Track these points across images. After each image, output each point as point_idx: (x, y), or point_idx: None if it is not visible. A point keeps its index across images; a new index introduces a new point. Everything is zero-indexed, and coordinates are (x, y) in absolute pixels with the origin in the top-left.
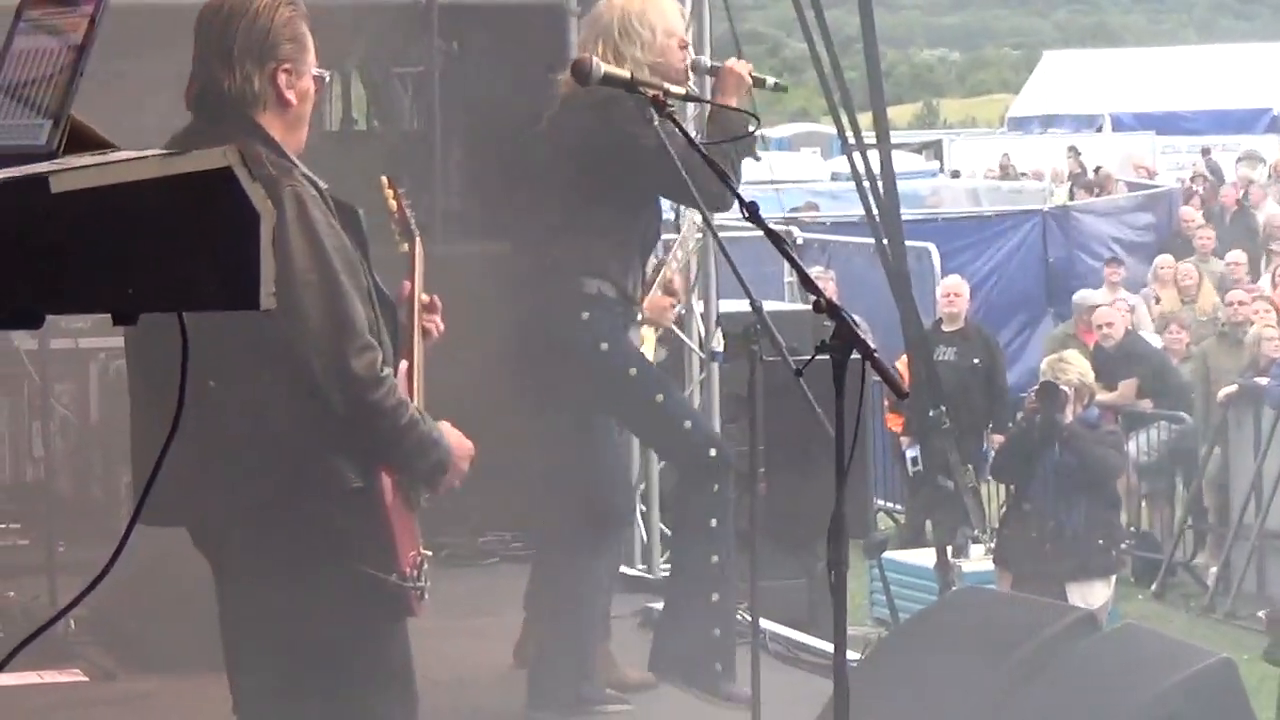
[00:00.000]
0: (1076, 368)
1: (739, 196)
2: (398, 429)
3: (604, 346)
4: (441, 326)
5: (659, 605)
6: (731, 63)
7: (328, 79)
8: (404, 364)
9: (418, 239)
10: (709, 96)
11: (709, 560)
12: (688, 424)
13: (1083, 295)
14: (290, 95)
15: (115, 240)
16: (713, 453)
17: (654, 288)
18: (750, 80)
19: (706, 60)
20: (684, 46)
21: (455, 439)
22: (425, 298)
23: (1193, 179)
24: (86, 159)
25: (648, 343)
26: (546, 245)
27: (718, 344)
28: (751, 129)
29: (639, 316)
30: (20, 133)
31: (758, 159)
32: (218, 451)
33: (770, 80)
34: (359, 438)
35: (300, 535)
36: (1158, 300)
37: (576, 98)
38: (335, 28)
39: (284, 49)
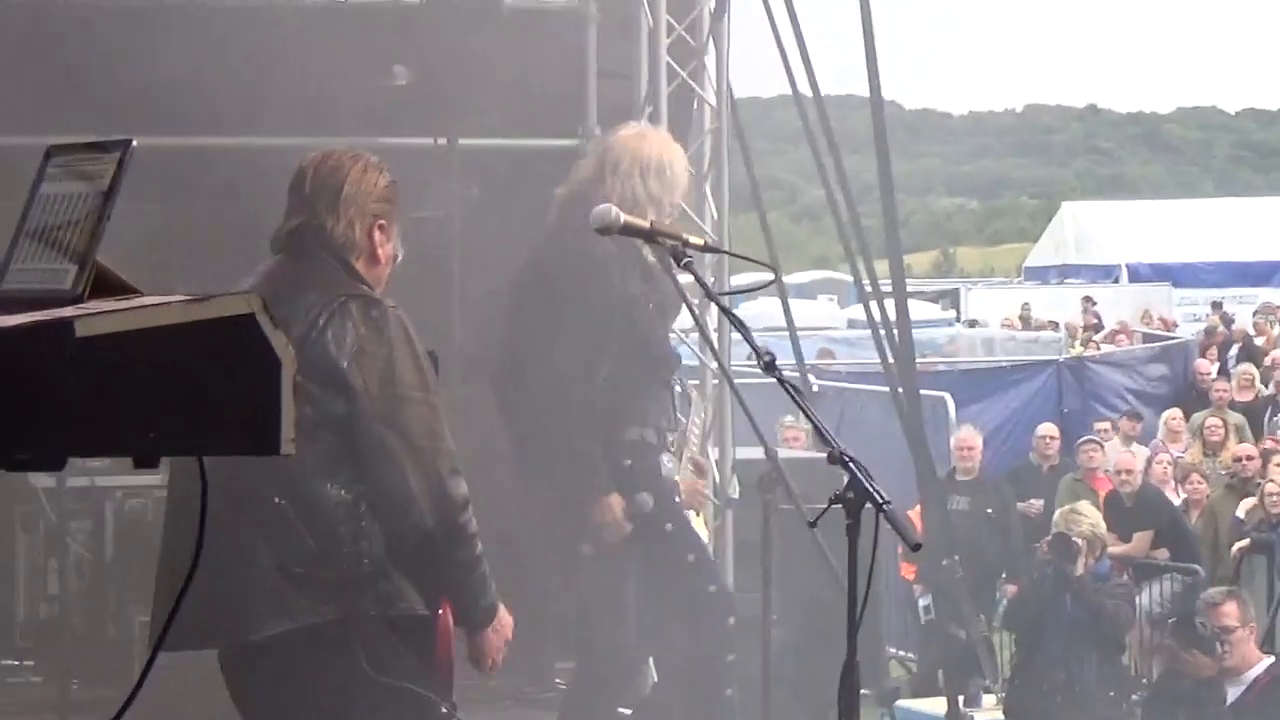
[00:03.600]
0: (1089, 519)
1: (755, 348)
2: (473, 558)
3: (645, 497)
4: None
5: None
6: None
7: (400, 257)
8: None
9: None
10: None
11: None
12: (712, 588)
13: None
14: (380, 253)
15: (139, 384)
16: (732, 621)
17: (683, 466)
18: None
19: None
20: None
21: (502, 611)
22: None
23: (1207, 333)
24: (111, 304)
25: (697, 524)
26: (580, 396)
27: (734, 490)
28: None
29: (673, 447)
30: (46, 277)
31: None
32: (277, 569)
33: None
34: (430, 565)
35: (358, 656)
36: (1166, 452)
37: (560, 246)
38: None
39: (383, 208)
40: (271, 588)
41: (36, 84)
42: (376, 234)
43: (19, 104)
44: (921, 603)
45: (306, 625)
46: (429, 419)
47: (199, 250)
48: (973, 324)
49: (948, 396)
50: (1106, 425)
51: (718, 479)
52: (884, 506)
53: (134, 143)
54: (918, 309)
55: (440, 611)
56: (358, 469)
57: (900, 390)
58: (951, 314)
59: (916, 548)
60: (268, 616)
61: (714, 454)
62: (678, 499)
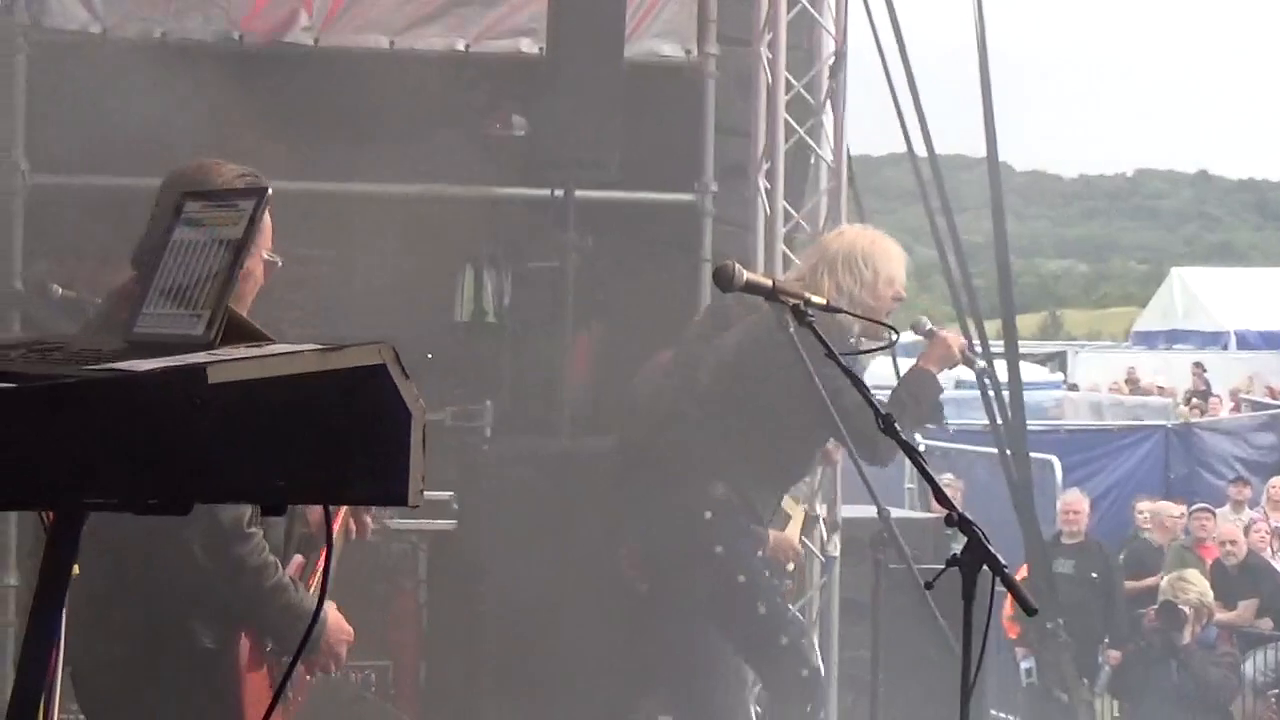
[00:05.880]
0: (1197, 588)
1: (875, 407)
2: (262, 590)
3: (718, 549)
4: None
5: None
6: (946, 333)
7: (279, 264)
8: (298, 558)
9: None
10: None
11: None
12: (784, 640)
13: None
14: None
15: (269, 432)
16: (805, 673)
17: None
18: (959, 356)
19: (926, 323)
20: (898, 300)
21: (334, 619)
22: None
23: None
24: (243, 350)
25: (794, 521)
26: (685, 446)
27: (835, 548)
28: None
29: (766, 542)
30: (180, 323)
31: (945, 425)
32: (93, 601)
33: (979, 363)
34: (219, 598)
35: (155, 693)
36: (1265, 520)
37: (761, 324)
38: (470, 219)
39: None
40: (87, 620)
41: (141, 122)
42: None
43: (97, 146)
44: (1024, 665)
45: (114, 659)
46: None
47: (309, 294)
48: (1074, 388)
49: (1055, 459)
50: (1242, 488)
51: (824, 535)
52: (1003, 570)
53: (269, 190)
54: (1025, 371)
55: (235, 645)
56: None
57: (1009, 452)
58: (1059, 376)
59: (1033, 612)
60: (81, 646)
61: (821, 511)
62: (760, 552)
